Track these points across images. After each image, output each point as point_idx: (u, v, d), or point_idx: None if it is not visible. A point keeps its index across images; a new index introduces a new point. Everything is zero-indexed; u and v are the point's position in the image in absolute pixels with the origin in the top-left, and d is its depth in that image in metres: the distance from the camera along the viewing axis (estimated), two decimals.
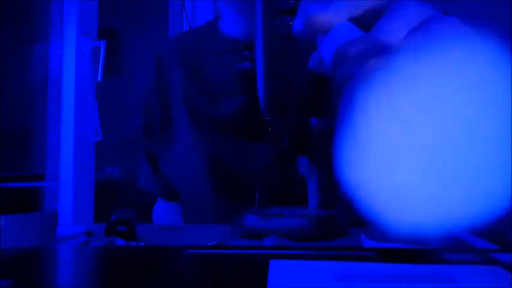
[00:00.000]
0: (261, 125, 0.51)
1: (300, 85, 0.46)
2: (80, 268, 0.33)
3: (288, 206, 0.55)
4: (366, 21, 0.26)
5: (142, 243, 0.44)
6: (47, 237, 0.44)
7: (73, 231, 0.50)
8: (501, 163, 0.17)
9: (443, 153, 0.17)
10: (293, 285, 0.24)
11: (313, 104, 0.48)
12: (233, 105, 0.64)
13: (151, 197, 0.82)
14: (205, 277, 0.28)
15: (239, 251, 0.35)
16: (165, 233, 0.55)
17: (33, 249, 0.38)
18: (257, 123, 0.52)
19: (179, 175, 0.71)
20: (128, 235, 0.46)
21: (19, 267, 0.31)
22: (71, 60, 1.50)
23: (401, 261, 0.28)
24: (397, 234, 0.19)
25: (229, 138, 0.65)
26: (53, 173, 1.47)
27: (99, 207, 1.57)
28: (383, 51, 0.22)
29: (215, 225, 0.60)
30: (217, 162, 0.65)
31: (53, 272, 0.32)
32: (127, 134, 2.19)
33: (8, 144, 1.43)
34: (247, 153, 0.63)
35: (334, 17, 0.26)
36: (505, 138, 0.17)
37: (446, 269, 0.27)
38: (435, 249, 0.39)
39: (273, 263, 0.27)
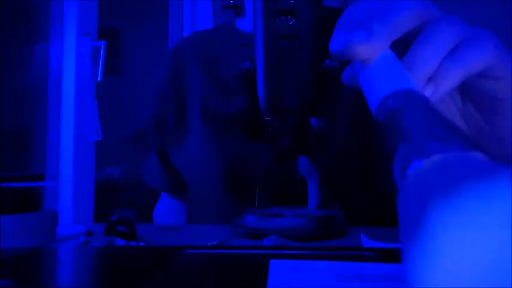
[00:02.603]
0: (261, 125, 0.51)
1: (300, 85, 0.46)
2: (80, 268, 0.33)
3: (288, 206, 0.55)
4: (403, 41, 0.25)
5: (142, 243, 0.44)
6: (47, 237, 0.44)
7: (73, 231, 0.50)
8: None
9: None
10: (293, 285, 0.24)
11: (314, 104, 0.48)
12: (235, 104, 0.65)
13: (155, 191, 0.82)
14: (205, 277, 0.28)
15: (239, 251, 0.35)
16: (165, 233, 0.55)
17: (33, 249, 0.38)
18: (257, 123, 0.52)
19: (188, 169, 0.71)
20: (128, 235, 0.46)
21: (19, 267, 0.31)
22: (71, 60, 1.50)
23: (401, 261, 0.28)
24: None
25: (232, 136, 0.65)
26: (53, 173, 1.47)
27: (99, 207, 1.57)
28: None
29: (215, 225, 0.60)
30: (222, 160, 0.65)
31: (53, 272, 0.32)
32: (127, 134, 2.19)
33: (8, 144, 1.43)
34: (247, 152, 0.63)
35: (376, 47, 0.23)
36: None
37: None
38: None
39: (273, 263, 0.27)
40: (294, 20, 0.41)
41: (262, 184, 0.53)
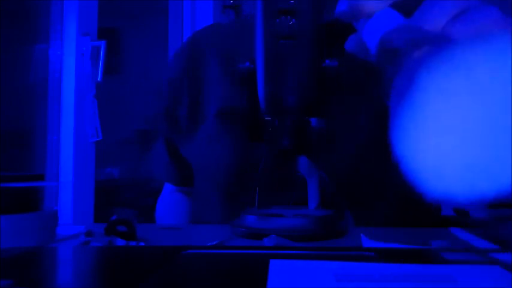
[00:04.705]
0: (261, 124, 0.51)
1: (300, 85, 0.46)
2: (80, 268, 0.33)
3: (288, 206, 0.55)
4: (406, 8, 0.27)
5: (142, 243, 0.44)
6: (47, 237, 0.44)
7: (73, 231, 0.50)
8: None
9: (485, 131, 0.21)
10: (293, 285, 0.24)
11: (314, 104, 0.48)
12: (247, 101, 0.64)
13: (161, 182, 0.81)
14: (205, 277, 0.28)
15: (239, 251, 0.35)
16: (165, 233, 0.55)
17: (33, 249, 0.38)
18: (257, 123, 0.52)
19: (197, 162, 0.70)
20: (127, 235, 0.46)
21: (19, 267, 0.31)
22: (71, 60, 1.50)
23: (401, 261, 0.28)
24: (436, 196, 0.23)
25: (240, 134, 0.64)
26: (53, 173, 1.47)
27: (99, 207, 1.57)
28: (428, 41, 0.24)
29: (215, 225, 0.60)
30: (230, 156, 0.64)
31: (53, 272, 0.32)
32: (127, 134, 2.19)
33: (8, 144, 1.43)
34: (247, 152, 0.63)
35: (378, 4, 0.27)
36: None
37: (446, 269, 0.27)
38: (435, 249, 0.39)
39: (273, 263, 0.27)
40: (294, 20, 0.41)
41: (262, 184, 0.53)
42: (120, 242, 0.44)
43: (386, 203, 0.61)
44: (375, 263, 0.28)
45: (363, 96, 0.60)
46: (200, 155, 0.68)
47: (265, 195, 0.53)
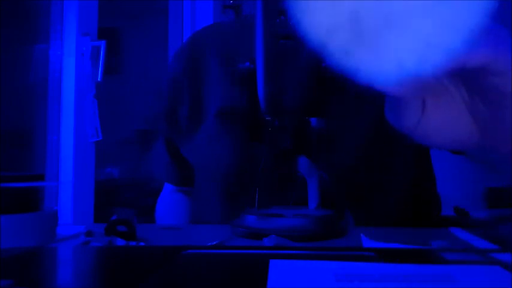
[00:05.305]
0: (261, 125, 0.51)
1: (300, 85, 0.46)
2: (80, 268, 0.33)
3: (288, 206, 0.55)
4: None
5: (142, 243, 0.44)
6: (47, 237, 0.44)
7: (73, 231, 0.50)
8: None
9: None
10: (293, 285, 0.24)
11: (314, 104, 0.48)
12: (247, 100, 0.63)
13: (162, 182, 0.81)
14: (205, 277, 0.28)
15: (239, 251, 0.35)
16: (165, 233, 0.55)
17: (33, 249, 0.38)
18: (257, 123, 0.52)
19: (197, 162, 0.70)
20: (127, 235, 0.46)
21: (19, 267, 0.31)
22: (71, 60, 1.50)
23: (401, 261, 0.28)
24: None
25: (241, 134, 0.64)
26: (53, 173, 1.47)
27: (99, 207, 1.57)
28: None
29: (215, 225, 0.60)
30: (230, 156, 0.64)
31: (53, 272, 0.32)
32: (127, 134, 2.19)
33: (8, 144, 1.43)
34: (247, 152, 0.63)
35: None
36: None
37: (446, 269, 0.27)
38: (435, 249, 0.39)
39: (273, 263, 0.27)
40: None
41: (262, 184, 0.53)
42: (120, 242, 0.44)
43: (387, 203, 0.61)
44: (375, 263, 0.28)
45: (363, 97, 0.60)
46: (200, 155, 0.68)
47: (265, 195, 0.53)
